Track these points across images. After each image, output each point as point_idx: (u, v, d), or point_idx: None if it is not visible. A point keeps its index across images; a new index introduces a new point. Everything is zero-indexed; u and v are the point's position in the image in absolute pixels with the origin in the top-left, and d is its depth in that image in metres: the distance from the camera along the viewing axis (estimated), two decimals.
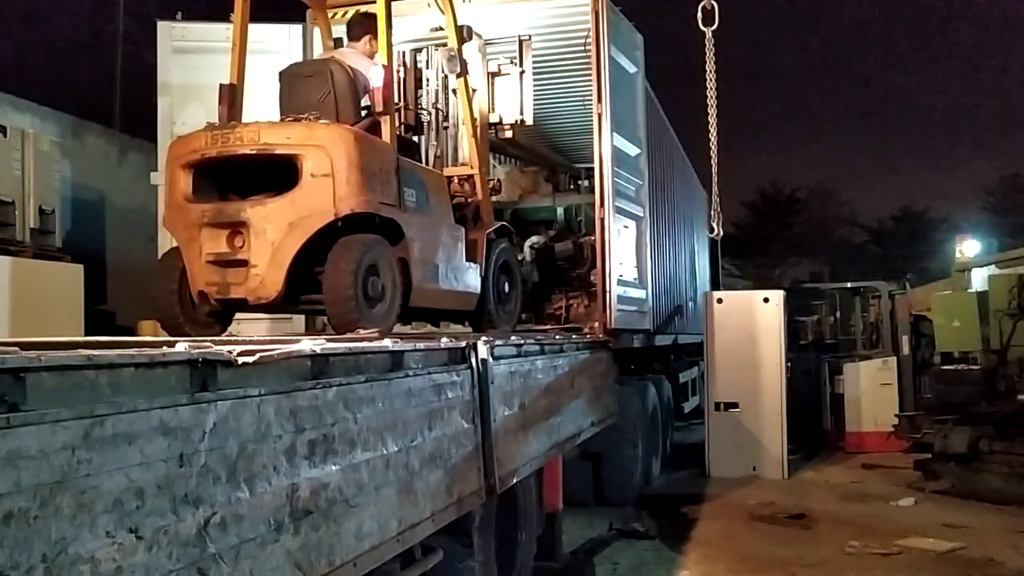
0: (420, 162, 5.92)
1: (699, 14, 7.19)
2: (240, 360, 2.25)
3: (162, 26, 8.18)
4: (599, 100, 7.54)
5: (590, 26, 7.52)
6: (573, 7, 7.68)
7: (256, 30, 7.17)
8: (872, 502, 9.27)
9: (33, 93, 10.48)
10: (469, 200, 6.05)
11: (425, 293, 5.27)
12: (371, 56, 5.60)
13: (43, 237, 8.46)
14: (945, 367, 10.92)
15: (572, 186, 11.02)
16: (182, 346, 2.13)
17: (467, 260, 5.82)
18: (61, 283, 7.92)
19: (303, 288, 4.72)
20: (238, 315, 5.29)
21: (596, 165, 7.68)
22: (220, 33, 6.90)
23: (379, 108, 5.09)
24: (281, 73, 5.49)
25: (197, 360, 2.11)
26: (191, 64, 7.86)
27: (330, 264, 4.57)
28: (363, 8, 6.07)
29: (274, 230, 4.51)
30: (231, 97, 5.21)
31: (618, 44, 7.79)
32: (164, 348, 2.08)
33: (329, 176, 4.50)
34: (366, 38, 5.71)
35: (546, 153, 11.10)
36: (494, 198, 10.38)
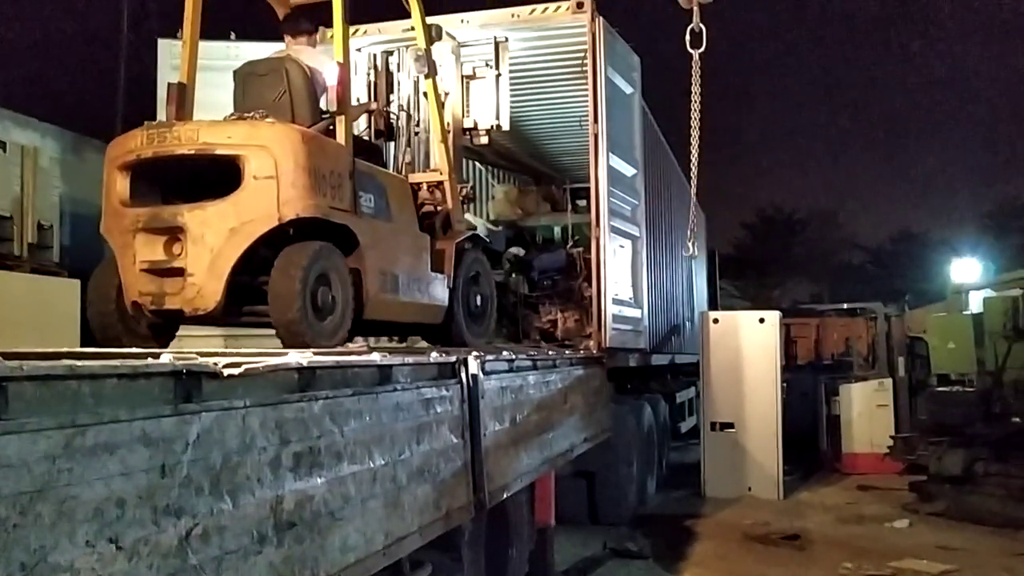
0: (387, 167, 5.68)
1: (687, 36, 7.21)
2: (226, 372, 2.27)
3: (163, 44, 8.23)
4: (595, 120, 7.56)
5: (587, 47, 7.56)
6: (570, 28, 7.72)
7: (259, 49, 7.23)
8: (867, 523, 9.26)
9: (35, 109, 10.54)
10: (439, 208, 5.67)
11: (383, 305, 4.99)
12: (315, 45, 5.42)
13: (41, 252, 8.49)
14: (941, 388, 10.93)
15: (570, 206, 11.07)
16: (166, 357, 2.15)
17: (433, 271, 5.52)
18: (58, 298, 7.92)
19: (247, 299, 4.43)
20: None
21: (592, 185, 7.70)
22: (219, 51, 6.94)
23: (333, 107, 4.82)
24: (235, 72, 5.22)
25: (181, 371, 2.13)
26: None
27: (276, 273, 4.28)
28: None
29: (213, 236, 4.23)
30: (180, 97, 4.90)
31: (615, 65, 7.84)
32: (148, 359, 2.10)
33: (273, 178, 4.24)
34: (315, 35, 5.48)
35: (546, 171, 11.17)
36: (491, 217, 10.55)
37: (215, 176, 4.32)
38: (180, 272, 4.29)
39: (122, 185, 4.47)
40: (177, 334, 4.92)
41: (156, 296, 4.37)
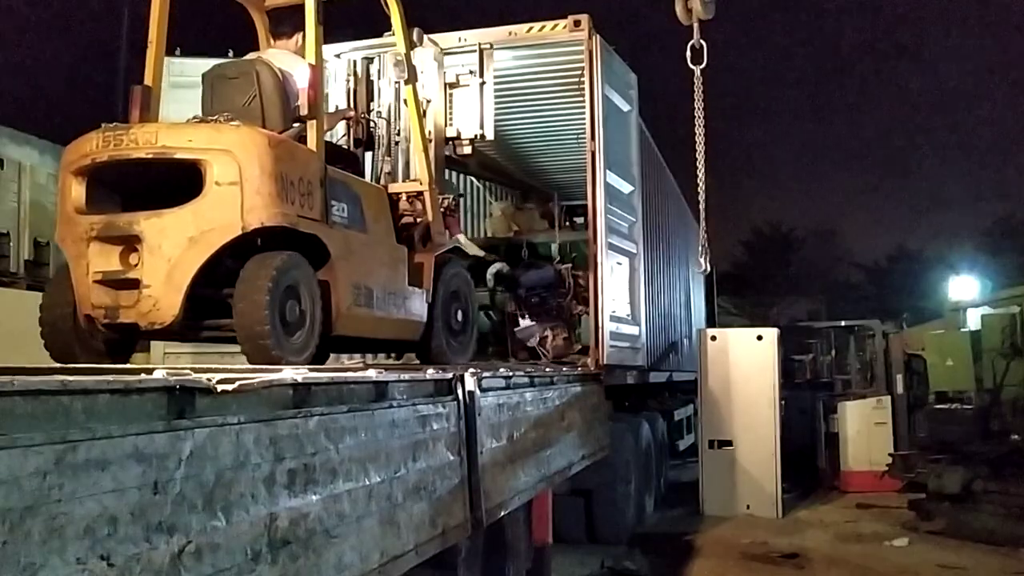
0: (365, 177, 5.51)
1: (688, 53, 7.22)
2: (219, 388, 2.25)
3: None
4: (592, 138, 7.54)
5: (584, 65, 7.58)
6: (567, 46, 7.74)
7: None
8: (866, 542, 9.21)
9: (35, 126, 10.55)
10: (418, 219, 5.43)
11: (355, 320, 4.77)
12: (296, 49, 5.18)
13: (38, 269, 8.49)
14: (939, 406, 10.91)
15: (568, 223, 11.09)
16: (160, 373, 2.14)
17: (411, 284, 5.30)
18: None
19: (209, 312, 4.24)
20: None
21: (589, 202, 7.69)
22: None
23: (304, 111, 4.63)
24: (204, 75, 5.05)
25: (175, 387, 2.10)
26: (189, 98, 7.88)
27: (241, 285, 4.07)
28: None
29: (171, 246, 4.00)
30: (144, 100, 4.70)
31: (612, 82, 7.84)
32: (142, 375, 2.09)
33: (237, 184, 4.01)
34: (297, 36, 5.17)
35: (542, 188, 11.19)
36: (488, 233, 10.55)
37: (176, 182, 4.10)
38: (135, 284, 4.07)
39: (77, 191, 4.25)
40: (172, 351, 4.84)
41: (110, 309, 4.14)
